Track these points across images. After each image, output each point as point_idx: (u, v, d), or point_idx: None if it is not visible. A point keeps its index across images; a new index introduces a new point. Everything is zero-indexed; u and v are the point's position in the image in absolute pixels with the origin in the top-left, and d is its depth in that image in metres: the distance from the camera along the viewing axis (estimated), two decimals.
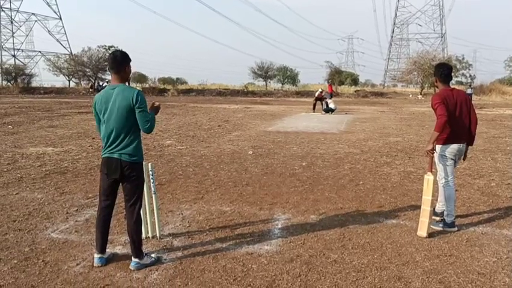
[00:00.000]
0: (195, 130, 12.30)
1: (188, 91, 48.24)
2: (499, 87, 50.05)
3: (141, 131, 3.12)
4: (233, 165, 7.15)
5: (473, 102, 25.72)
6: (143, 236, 3.58)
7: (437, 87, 4.23)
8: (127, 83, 3.25)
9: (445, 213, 4.08)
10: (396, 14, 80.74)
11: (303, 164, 7.30)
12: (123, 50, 3.37)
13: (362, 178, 6.24)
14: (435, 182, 4.03)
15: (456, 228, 4.00)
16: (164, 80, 58.93)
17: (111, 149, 3.07)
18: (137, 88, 3.22)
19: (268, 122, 15.15)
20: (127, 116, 3.02)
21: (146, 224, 3.69)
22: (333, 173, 6.57)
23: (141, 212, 3.28)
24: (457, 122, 4.00)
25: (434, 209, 4.37)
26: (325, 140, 10.36)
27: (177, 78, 62.98)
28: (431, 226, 4.01)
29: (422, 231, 3.85)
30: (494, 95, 45.24)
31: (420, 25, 78.66)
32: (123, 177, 3.10)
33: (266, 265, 3.22)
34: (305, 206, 4.81)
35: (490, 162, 7.58)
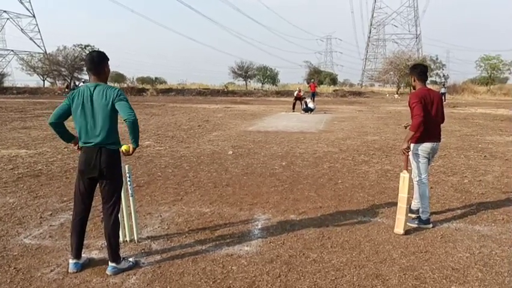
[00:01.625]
0: (174, 130, 12.18)
1: (168, 91, 47.79)
2: (471, 87, 51.60)
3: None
4: (213, 165, 7.12)
5: (446, 101, 26.13)
6: (121, 239, 3.52)
7: (414, 87, 4.30)
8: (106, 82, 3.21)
9: (420, 210, 4.18)
10: (372, 15, 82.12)
11: (283, 163, 7.33)
12: (100, 49, 3.31)
13: (341, 177, 6.31)
14: (410, 180, 4.12)
15: (431, 225, 4.10)
16: (143, 80, 58.27)
17: (89, 138, 3.02)
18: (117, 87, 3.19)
19: (249, 122, 15.14)
20: (107, 114, 3.01)
21: (124, 227, 3.63)
22: (312, 172, 6.62)
23: (119, 215, 3.22)
24: (432, 122, 4.10)
25: (410, 206, 4.47)
26: (304, 140, 10.43)
27: (156, 78, 62.45)
28: (407, 223, 4.09)
29: (399, 229, 3.93)
30: (467, 94, 46.61)
31: (396, 26, 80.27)
32: (101, 176, 3.03)
33: (246, 266, 3.22)
34: (285, 205, 4.83)
35: (463, 159, 7.79)
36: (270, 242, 3.70)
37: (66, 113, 3.07)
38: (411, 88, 4.35)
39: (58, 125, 3.08)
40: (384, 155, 8.28)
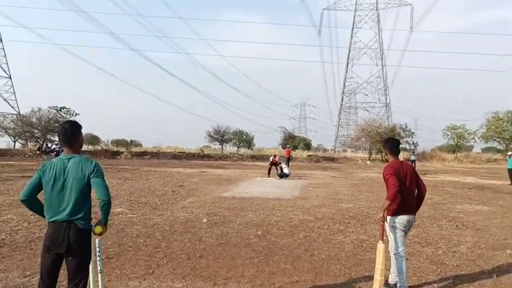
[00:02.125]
0: (148, 196, 11.93)
1: (143, 154, 47.45)
2: (439, 154, 53.69)
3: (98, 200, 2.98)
4: (187, 235, 6.93)
5: (416, 168, 26.95)
6: None
7: (387, 160, 4.47)
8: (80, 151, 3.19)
9: (398, 285, 4.14)
10: (344, 84, 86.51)
11: (259, 232, 7.22)
12: (72, 120, 3.33)
13: (317, 247, 6.24)
14: (386, 251, 4.14)
15: None
16: (117, 142, 57.84)
17: (59, 213, 2.90)
18: (93, 160, 3.15)
19: (224, 187, 15.06)
20: (81, 188, 2.96)
21: None
22: (288, 242, 6.52)
23: None
24: (407, 194, 4.22)
25: (387, 280, 4.44)
26: (280, 207, 10.39)
27: (131, 141, 62.15)
28: None
29: None
30: (435, 161, 48.33)
31: (366, 95, 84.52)
32: (69, 252, 2.90)
33: None
34: (261, 279, 4.68)
35: (436, 229, 7.89)
36: None
37: (38, 188, 3.00)
38: (384, 159, 4.53)
39: (31, 201, 3.01)
40: (359, 223, 8.31)
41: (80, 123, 3.22)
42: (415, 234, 7.34)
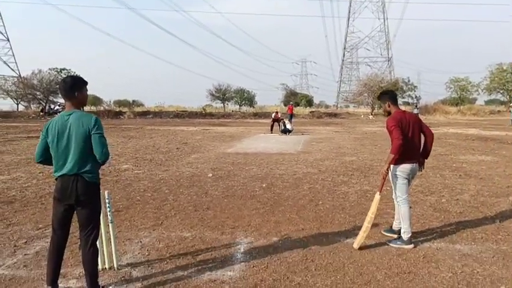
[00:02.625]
0: (153, 153, 12.02)
1: (145, 113, 47.40)
2: (442, 107, 53.31)
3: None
4: (193, 188, 7.03)
5: None
6: (100, 267, 3.40)
7: (389, 112, 4.39)
8: (82, 108, 3.14)
9: (402, 230, 4.22)
10: (346, 39, 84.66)
11: (263, 185, 7.31)
12: (76, 74, 3.25)
13: (321, 198, 6.34)
14: (381, 202, 4.25)
15: (412, 245, 4.14)
16: (120, 103, 57.59)
17: (67, 168, 2.92)
18: (94, 115, 3.10)
19: (227, 144, 15.13)
20: (84, 144, 2.92)
21: (103, 254, 3.51)
22: (293, 194, 6.62)
23: (97, 242, 3.12)
24: (410, 143, 4.19)
25: (391, 226, 4.53)
26: (284, 161, 10.47)
27: (133, 101, 61.86)
28: (390, 244, 4.17)
29: (356, 244, 4.09)
30: (438, 114, 48.07)
31: (368, 49, 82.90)
32: (78, 202, 2.94)
33: None
34: (267, 228, 4.79)
35: (439, 179, 7.97)
36: (253, 266, 3.65)
37: (46, 147, 3.00)
38: (385, 112, 4.45)
39: (47, 161, 3.03)
40: (363, 175, 8.39)
41: (84, 79, 3.15)
42: (418, 184, 7.42)
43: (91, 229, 3.01)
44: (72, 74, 51.31)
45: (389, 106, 4.39)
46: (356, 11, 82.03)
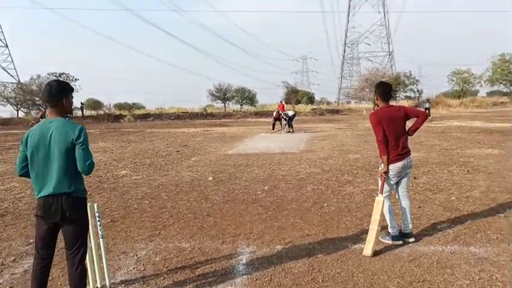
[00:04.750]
0: (152, 157, 11.79)
1: (146, 116, 47.18)
2: (444, 101, 52.91)
3: None
4: (193, 193, 6.80)
5: (431, 115, 26.38)
6: (91, 286, 3.17)
7: (378, 105, 4.28)
8: (68, 117, 2.90)
9: (388, 226, 4.12)
10: (346, 35, 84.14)
11: (266, 187, 7.07)
12: (62, 80, 3.02)
13: (326, 199, 6.09)
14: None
15: (401, 242, 4.07)
16: (120, 106, 57.33)
17: (49, 187, 2.68)
18: (79, 124, 2.84)
19: (229, 145, 14.88)
20: (66, 154, 2.67)
21: (94, 271, 3.28)
22: (296, 196, 6.38)
23: (86, 260, 2.88)
24: (395, 139, 4.07)
25: (400, 231, 4.31)
26: (286, 161, 10.23)
27: (134, 104, 61.56)
28: (380, 239, 4.10)
29: (367, 251, 3.83)
30: (441, 107, 47.69)
31: (369, 44, 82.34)
32: (64, 220, 2.70)
33: None
34: (270, 235, 4.55)
35: (447, 175, 7.71)
36: (256, 280, 3.40)
37: (26, 159, 2.76)
38: (375, 104, 4.35)
39: (27, 174, 2.78)
40: (368, 173, 8.13)
41: (71, 85, 2.91)
42: (425, 181, 7.17)
43: (77, 248, 2.77)
44: (71, 78, 51.33)
45: (376, 99, 4.28)
46: (356, 5, 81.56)
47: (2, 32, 58.45)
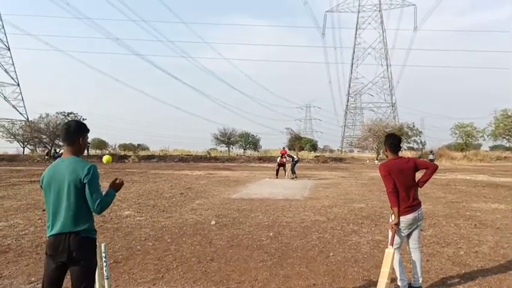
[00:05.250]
0: (156, 199, 11.75)
1: (150, 157, 47.48)
2: (448, 153, 53.03)
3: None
4: (196, 237, 6.72)
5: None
6: None
7: (387, 156, 4.33)
8: (81, 155, 2.97)
9: (398, 278, 4.08)
10: (349, 85, 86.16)
11: (270, 234, 6.99)
12: (79, 120, 3.13)
13: (332, 249, 6.00)
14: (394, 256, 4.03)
15: None
16: (125, 146, 57.96)
17: (58, 226, 2.69)
18: (91, 163, 2.89)
19: (232, 189, 14.85)
20: (76, 191, 2.70)
21: None
22: (301, 244, 6.29)
23: None
24: (406, 191, 4.07)
25: (409, 284, 4.22)
26: (290, 207, 10.16)
27: (138, 144, 62.29)
28: None
29: None
30: (444, 160, 47.71)
31: (372, 95, 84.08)
32: (71, 260, 2.69)
33: None
34: (275, 283, 4.46)
35: (454, 228, 7.61)
36: None
37: None
38: (385, 155, 4.42)
39: None
40: (373, 223, 8.05)
41: (87, 126, 3.01)
42: (432, 234, 7.07)
43: None
44: (79, 118, 52.25)
45: (386, 151, 4.33)
46: (359, 57, 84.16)
47: (15, 70, 60.31)
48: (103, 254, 3.25)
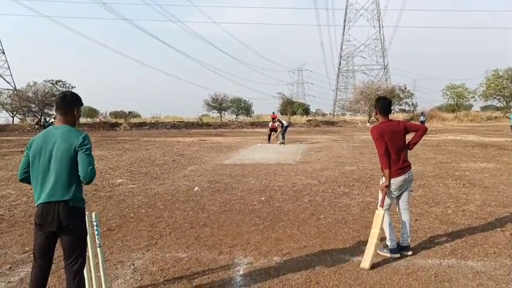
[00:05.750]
0: (148, 166, 11.76)
1: (142, 125, 47.15)
2: (439, 114, 53.38)
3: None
4: (189, 203, 6.78)
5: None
6: None
7: (377, 119, 4.34)
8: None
9: (387, 238, 4.15)
10: (341, 48, 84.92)
11: (262, 198, 7.07)
12: (72, 88, 3.05)
13: (323, 211, 6.10)
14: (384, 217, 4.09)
15: (399, 255, 4.08)
16: (116, 114, 57.32)
17: (47, 194, 2.67)
18: (84, 132, 2.85)
19: (225, 155, 14.89)
20: (68, 160, 2.67)
21: (91, 281, 3.25)
22: (293, 207, 6.38)
23: (84, 270, 2.86)
24: (398, 153, 4.11)
25: (398, 244, 4.31)
26: (282, 172, 10.24)
27: (130, 112, 61.70)
28: (378, 252, 4.10)
29: (365, 263, 3.83)
30: (435, 121, 48.08)
31: (364, 57, 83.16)
32: (61, 229, 2.68)
33: None
34: (267, 246, 4.54)
35: (443, 188, 7.75)
36: None
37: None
38: (375, 118, 4.42)
39: (29, 179, 2.78)
40: (364, 186, 8.16)
41: (82, 100, 2.95)
42: (422, 194, 7.20)
43: (75, 258, 2.74)
44: (68, 86, 51.27)
45: (376, 114, 4.35)
46: (351, 19, 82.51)
47: None
48: (94, 223, 3.25)
